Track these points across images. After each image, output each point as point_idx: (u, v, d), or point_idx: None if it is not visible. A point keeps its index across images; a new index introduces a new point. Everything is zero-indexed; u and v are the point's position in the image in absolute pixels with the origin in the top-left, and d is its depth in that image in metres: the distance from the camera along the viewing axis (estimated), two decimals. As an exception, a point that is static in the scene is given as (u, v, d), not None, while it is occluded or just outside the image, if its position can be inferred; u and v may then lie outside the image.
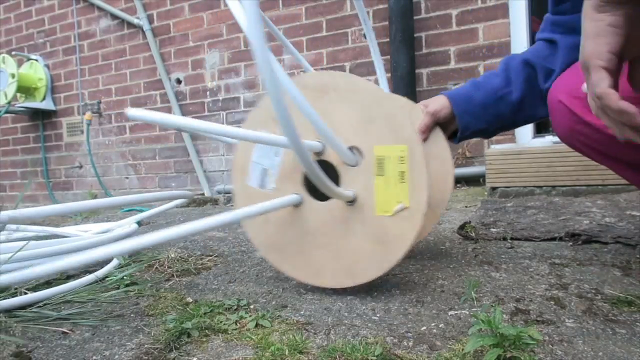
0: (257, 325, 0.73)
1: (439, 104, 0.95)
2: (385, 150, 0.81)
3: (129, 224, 1.33)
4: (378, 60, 1.24)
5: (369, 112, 0.84)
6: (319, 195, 0.85)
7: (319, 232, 0.86)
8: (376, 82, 1.26)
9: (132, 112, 0.80)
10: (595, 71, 0.53)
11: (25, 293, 0.82)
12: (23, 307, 0.79)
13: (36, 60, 3.16)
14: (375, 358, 0.59)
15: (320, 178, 0.74)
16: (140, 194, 1.21)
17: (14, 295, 0.82)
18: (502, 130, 1.01)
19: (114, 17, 2.92)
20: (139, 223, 1.42)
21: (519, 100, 0.93)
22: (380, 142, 0.82)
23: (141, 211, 1.91)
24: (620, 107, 0.52)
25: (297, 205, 0.88)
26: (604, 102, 0.53)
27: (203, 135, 1.54)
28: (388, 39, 2.18)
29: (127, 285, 0.94)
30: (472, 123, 0.96)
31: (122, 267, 1.07)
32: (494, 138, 1.98)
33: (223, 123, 2.63)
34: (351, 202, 0.84)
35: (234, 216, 0.77)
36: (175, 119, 0.85)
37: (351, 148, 0.84)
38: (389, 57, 2.16)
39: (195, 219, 0.72)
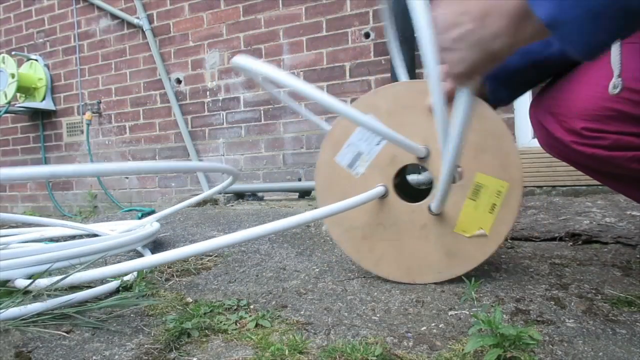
0: (257, 325, 0.73)
1: None
2: (486, 180, 0.86)
3: (150, 222, 1.35)
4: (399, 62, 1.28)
5: (485, 141, 0.88)
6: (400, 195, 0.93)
7: (393, 227, 0.92)
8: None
9: (237, 59, 0.83)
10: None
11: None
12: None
13: (36, 60, 3.16)
14: (375, 358, 0.59)
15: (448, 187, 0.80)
16: (191, 162, 1.19)
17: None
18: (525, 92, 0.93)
19: (114, 17, 2.92)
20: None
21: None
22: (486, 171, 0.86)
23: (142, 211, 1.91)
24: None
25: (381, 197, 0.92)
26: None
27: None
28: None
29: (126, 286, 0.93)
30: (499, 91, 0.88)
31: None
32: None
33: (223, 123, 2.63)
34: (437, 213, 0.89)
35: (328, 210, 0.81)
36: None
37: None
38: (388, 57, 2.16)
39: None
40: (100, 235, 1.23)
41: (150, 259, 0.80)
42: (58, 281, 0.78)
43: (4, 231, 1.37)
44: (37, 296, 0.80)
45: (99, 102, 3.01)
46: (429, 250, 0.89)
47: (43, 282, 0.82)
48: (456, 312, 0.75)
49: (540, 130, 0.82)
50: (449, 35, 0.59)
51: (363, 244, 0.93)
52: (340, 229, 0.95)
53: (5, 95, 2.93)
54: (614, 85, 0.65)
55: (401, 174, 0.93)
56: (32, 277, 0.90)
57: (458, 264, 0.88)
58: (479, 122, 0.86)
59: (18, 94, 3.08)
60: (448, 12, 0.59)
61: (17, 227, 1.55)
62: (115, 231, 1.34)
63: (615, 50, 0.67)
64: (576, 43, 0.42)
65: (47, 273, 0.86)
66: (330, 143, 0.96)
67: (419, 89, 0.89)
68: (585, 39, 0.41)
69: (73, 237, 1.46)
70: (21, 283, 0.85)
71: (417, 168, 0.92)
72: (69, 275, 0.78)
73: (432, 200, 0.87)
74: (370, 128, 0.81)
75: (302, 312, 0.78)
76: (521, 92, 0.93)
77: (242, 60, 0.83)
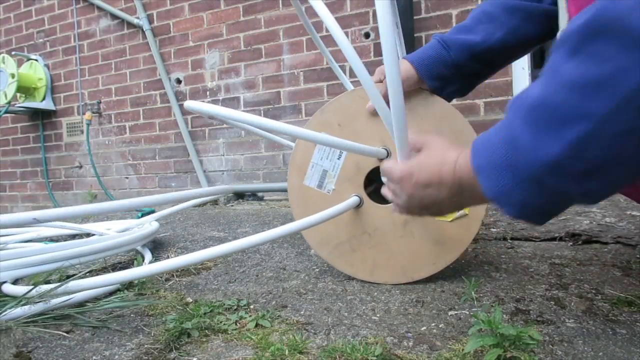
0: (257, 325, 0.73)
1: (402, 71, 0.84)
2: None
3: (149, 222, 1.35)
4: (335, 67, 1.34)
5: (439, 125, 0.89)
6: (376, 199, 0.93)
7: (377, 232, 0.92)
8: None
9: (189, 104, 0.84)
10: None
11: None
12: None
13: (36, 60, 3.16)
14: (375, 358, 0.59)
15: None
16: (187, 190, 1.23)
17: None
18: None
19: (113, 17, 2.92)
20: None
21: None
22: None
23: (142, 211, 1.91)
24: None
25: (357, 207, 0.93)
26: None
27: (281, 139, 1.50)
28: (388, 39, 2.18)
29: (127, 286, 0.93)
30: (439, 89, 0.88)
31: (121, 268, 1.07)
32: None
33: (223, 123, 2.63)
34: None
35: (300, 225, 0.82)
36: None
37: None
38: (389, 57, 2.16)
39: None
40: (96, 235, 1.23)
41: (148, 268, 0.79)
42: (55, 287, 0.77)
43: (2, 231, 1.37)
44: (37, 297, 0.80)
45: (99, 102, 3.01)
46: (417, 245, 0.90)
47: (43, 287, 0.82)
48: (456, 312, 0.75)
49: None
50: (416, 196, 0.61)
51: (354, 256, 0.94)
52: (328, 248, 0.96)
53: (5, 95, 2.93)
54: None
55: (376, 179, 0.94)
56: (32, 277, 0.90)
57: (449, 250, 0.89)
58: (427, 109, 0.89)
59: (18, 94, 3.08)
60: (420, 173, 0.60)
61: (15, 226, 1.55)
62: (111, 230, 1.33)
63: None
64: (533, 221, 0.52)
65: (47, 273, 0.86)
66: (295, 168, 0.98)
67: (361, 95, 0.93)
68: (539, 220, 0.51)
69: (73, 237, 1.46)
70: (10, 288, 0.84)
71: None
72: (66, 283, 0.78)
73: None
74: (327, 144, 0.84)
75: (302, 312, 0.78)
76: (467, 86, 0.92)
77: (195, 105, 0.85)
